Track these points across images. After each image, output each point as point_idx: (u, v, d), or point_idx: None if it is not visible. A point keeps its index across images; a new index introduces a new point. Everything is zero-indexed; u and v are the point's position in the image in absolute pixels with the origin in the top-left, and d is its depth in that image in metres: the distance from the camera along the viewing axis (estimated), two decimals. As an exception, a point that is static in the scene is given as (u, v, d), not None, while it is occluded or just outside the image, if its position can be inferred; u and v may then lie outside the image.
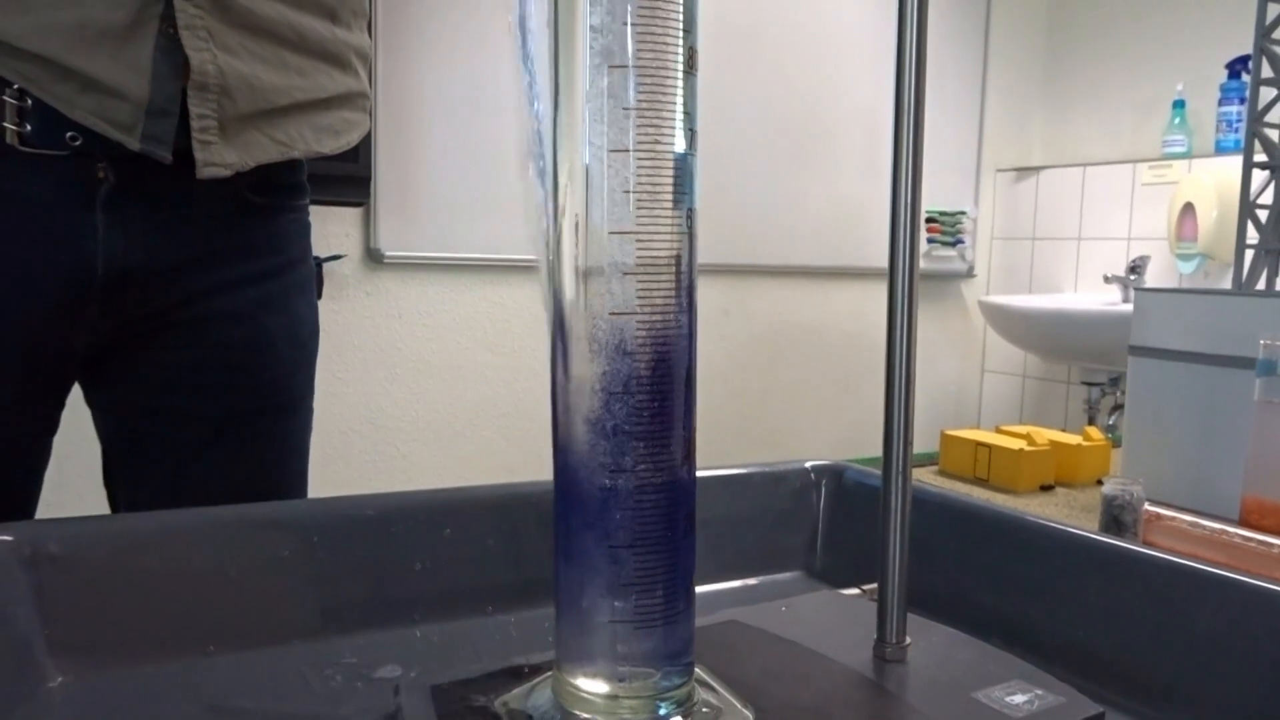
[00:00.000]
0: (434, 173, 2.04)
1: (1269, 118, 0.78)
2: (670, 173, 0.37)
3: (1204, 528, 0.64)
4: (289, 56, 0.69)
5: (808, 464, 0.75)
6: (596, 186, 0.37)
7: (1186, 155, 2.45)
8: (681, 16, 0.37)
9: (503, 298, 2.16)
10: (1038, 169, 2.82)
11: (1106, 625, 0.52)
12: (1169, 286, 2.44)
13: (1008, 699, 0.45)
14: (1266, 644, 0.47)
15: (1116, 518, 0.65)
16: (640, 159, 0.37)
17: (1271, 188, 0.78)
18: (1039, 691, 0.45)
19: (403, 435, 2.07)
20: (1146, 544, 0.63)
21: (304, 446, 0.79)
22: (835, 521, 0.73)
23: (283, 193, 0.75)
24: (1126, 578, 0.53)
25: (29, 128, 0.62)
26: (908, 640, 0.48)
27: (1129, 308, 2.35)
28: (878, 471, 0.76)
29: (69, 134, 0.63)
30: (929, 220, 2.73)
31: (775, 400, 2.54)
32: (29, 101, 0.62)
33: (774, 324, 2.53)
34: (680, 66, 0.37)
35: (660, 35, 0.36)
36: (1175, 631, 0.50)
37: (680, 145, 0.37)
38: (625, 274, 0.38)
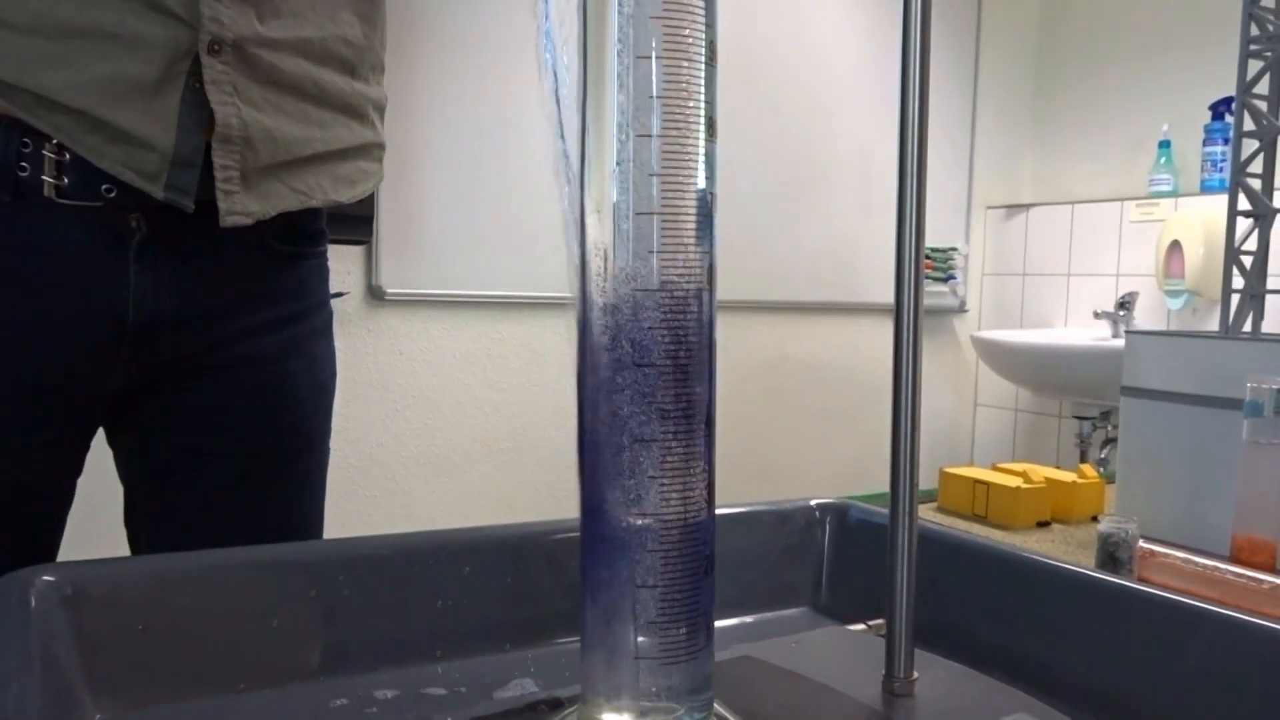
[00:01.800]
0: (435, 211, 2.07)
1: (1251, 168, 0.82)
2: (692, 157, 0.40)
3: (1196, 564, 0.66)
4: (310, 110, 0.72)
5: (813, 502, 0.77)
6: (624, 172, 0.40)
7: (1173, 194, 2.50)
8: (704, 11, 0.40)
9: (502, 334, 2.19)
10: (1027, 206, 2.87)
11: (1105, 660, 0.54)
12: (1158, 326, 2.48)
13: (1014, 732, 0.46)
14: (1258, 678, 0.49)
15: (1112, 554, 0.67)
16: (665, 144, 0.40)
17: (1255, 234, 0.81)
18: (1043, 724, 0.47)
19: (403, 471, 2.08)
20: (1142, 580, 0.66)
21: (322, 485, 0.81)
22: (840, 558, 0.75)
23: (305, 240, 0.78)
24: (1124, 614, 0.55)
25: (66, 180, 0.65)
26: (915, 675, 0.50)
27: (1119, 343, 2.40)
28: (881, 509, 0.78)
29: (104, 186, 0.65)
30: (921, 257, 2.77)
31: (772, 435, 2.56)
32: (66, 156, 0.64)
33: (770, 359, 2.56)
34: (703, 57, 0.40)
35: (682, 28, 0.39)
36: (1171, 666, 0.52)
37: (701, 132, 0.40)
38: (648, 290, 0.40)
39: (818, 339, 2.66)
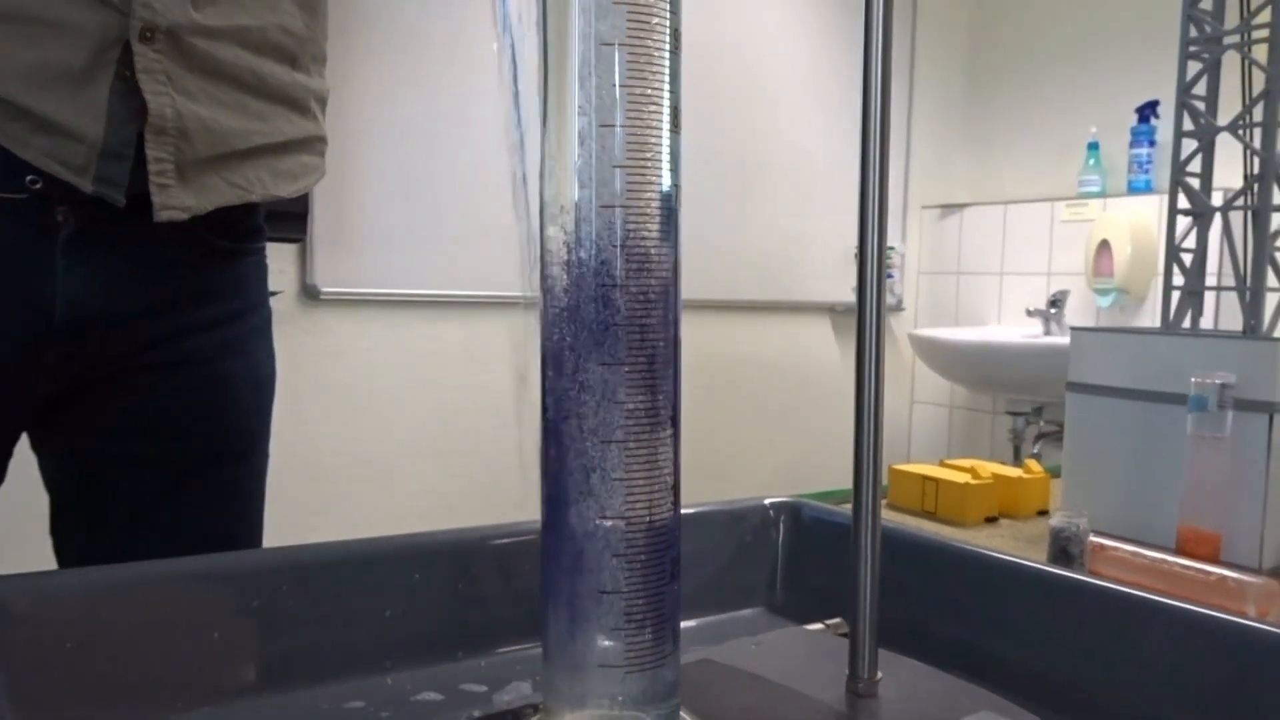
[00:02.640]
0: (372, 207, 2.03)
1: (1190, 167, 0.83)
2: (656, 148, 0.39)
3: (1145, 557, 0.67)
4: (249, 101, 0.69)
5: (766, 501, 0.76)
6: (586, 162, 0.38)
7: (1101, 194, 2.56)
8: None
9: (442, 334, 2.15)
10: (962, 206, 2.92)
11: (1064, 653, 0.55)
12: (1088, 324, 2.54)
13: (979, 730, 0.46)
14: (1207, 666, 0.50)
15: (1064, 549, 0.67)
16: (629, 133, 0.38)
17: (1194, 234, 0.83)
18: (1008, 721, 0.47)
19: (341, 475, 2.04)
20: (1093, 574, 0.66)
21: (261, 491, 0.78)
22: (794, 558, 0.74)
23: (243, 236, 0.75)
24: (1081, 608, 0.55)
25: None
26: (879, 676, 0.49)
27: (1052, 340, 2.46)
28: (835, 508, 0.78)
29: (29, 177, 0.62)
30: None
31: (716, 434, 2.56)
32: None
33: (712, 357, 2.56)
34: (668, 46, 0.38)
35: (647, 17, 0.38)
36: (1126, 657, 0.53)
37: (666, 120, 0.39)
38: (612, 286, 0.39)
39: (760, 337, 2.67)
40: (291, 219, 1.80)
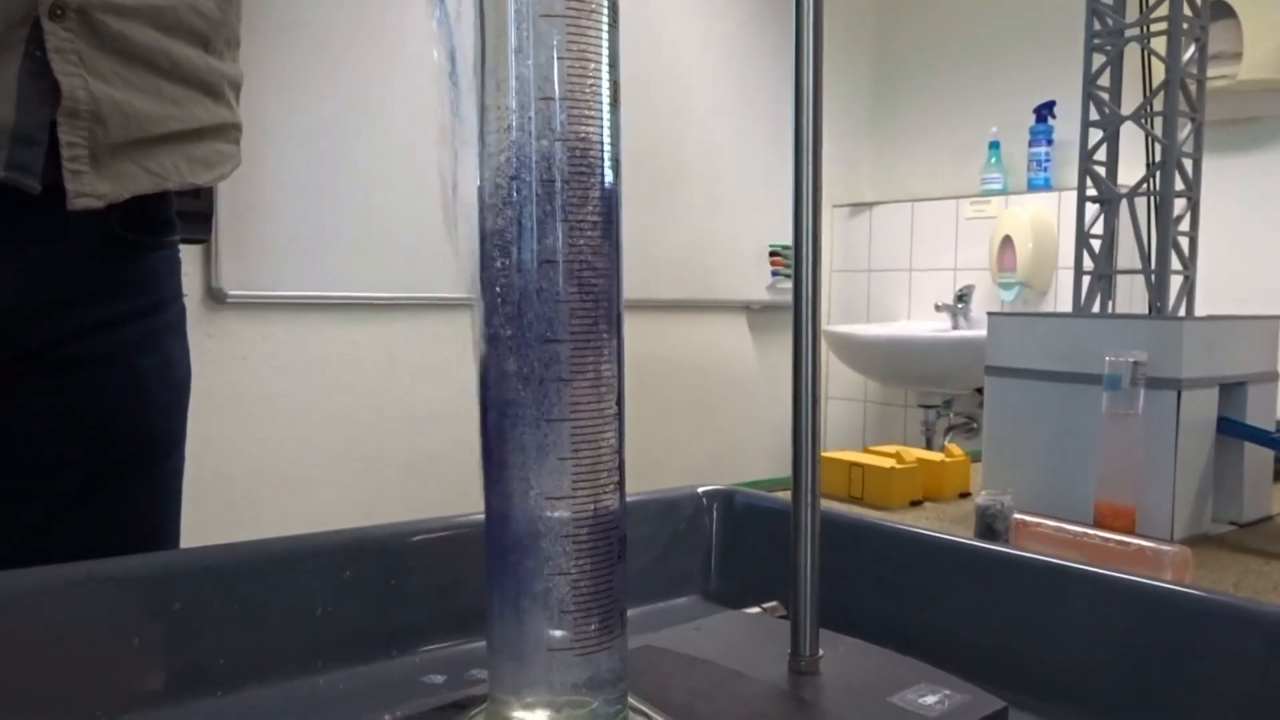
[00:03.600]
0: (279, 207, 1.97)
1: (1097, 156, 0.86)
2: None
3: (1067, 531, 0.69)
4: (162, 85, 0.67)
5: (699, 489, 0.76)
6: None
7: (1004, 192, 2.65)
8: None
9: (355, 336, 2.10)
10: (870, 205, 2.98)
11: (995, 624, 0.56)
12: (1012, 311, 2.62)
13: (920, 700, 0.47)
14: (1133, 627, 0.51)
15: (990, 526, 0.69)
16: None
17: (1101, 220, 0.86)
18: (947, 692, 0.47)
19: (251, 483, 1.97)
20: (1019, 548, 0.68)
21: (178, 494, 0.75)
22: (728, 544, 0.75)
23: (155, 229, 0.72)
24: (1010, 580, 0.57)
25: None
26: (820, 653, 0.50)
27: (960, 334, 2.53)
28: (767, 494, 0.78)
29: None
30: (773, 254, 2.84)
31: (636, 431, 2.55)
32: None
33: (630, 356, 2.56)
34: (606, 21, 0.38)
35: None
36: (1056, 623, 0.54)
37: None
38: (553, 262, 0.38)
39: (676, 336, 2.68)
40: (196, 219, 1.73)
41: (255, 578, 0.53)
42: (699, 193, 2.66)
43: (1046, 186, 2.54)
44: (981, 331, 2.52)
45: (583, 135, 0.38)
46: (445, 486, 2.15)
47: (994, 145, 2.67)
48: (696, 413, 2.71)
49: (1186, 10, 0.80)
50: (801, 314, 0.50)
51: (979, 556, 0.59)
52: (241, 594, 0.52)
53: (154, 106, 0.65)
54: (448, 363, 2.19)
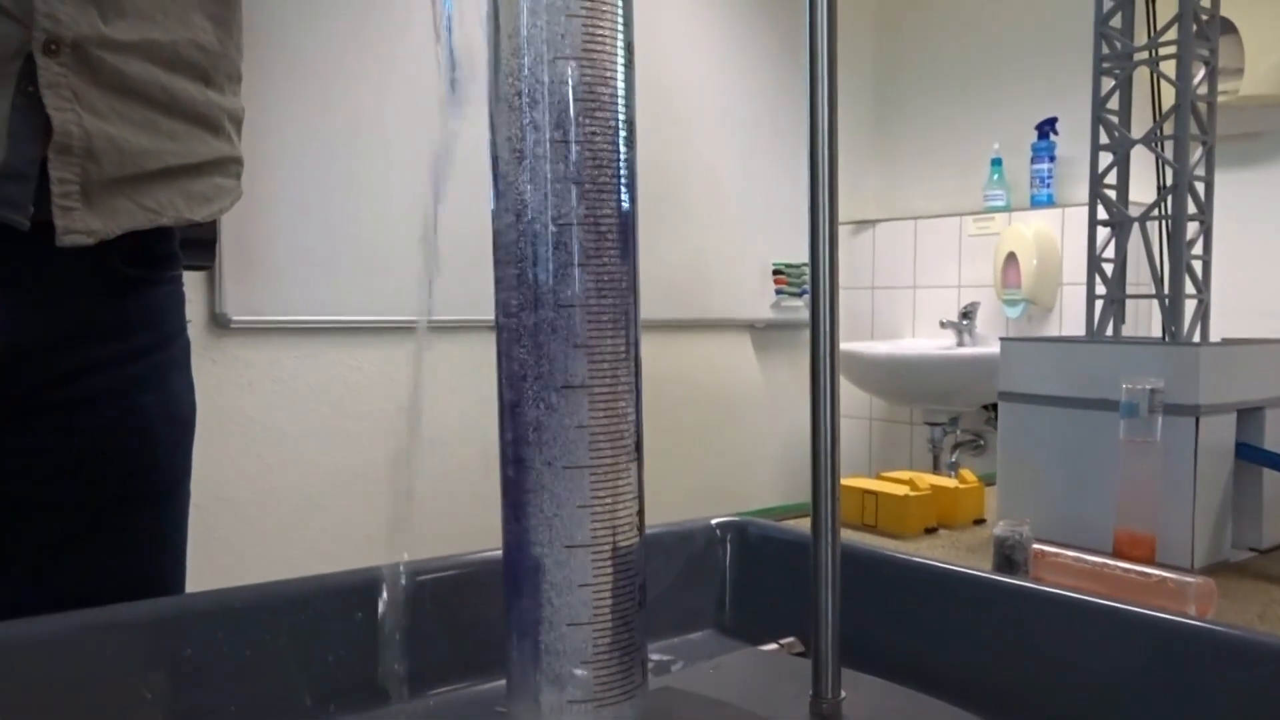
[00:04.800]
0: (283, 233, 1.97)
1: (1108, 179, 0.86)
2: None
3: (1087, 562, 0.68)
4: (159, 119, 0.66)
5: (713, 521, 0.75)
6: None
7: (1006, 209, 2.64)
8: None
9: (359, 361, 2.10)
10: (874, 222, 2.98)
11: (1020, 661, 0.55)
12: (999, 334, 2.61)
13: (946, 746, 0.46)
14: (1154, 665, 0.50)
15: (1009, 557, 0.68)
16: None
17: (1113, 243, 0.85)
18: (973, 736, 0.46)
19: (256, 509, 1.96)
20: (1037, 580, 0.67)
21: (183, 533, 0.74)
22: (742, 577, 0.74)
23: (156, 263, 0.71)
24: (1034, 615, 0.56)
25: None
26: (843, 695, 0.49)
27: (965, 351, 2.52)
28: (781, 525, 0.77)
29: None
30: (776, 273, 2.83)
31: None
32: None
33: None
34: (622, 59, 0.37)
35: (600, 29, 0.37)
36: (1083, 661, 0.53)
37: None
38: (570, 306, 0.38)
39: (680, 356, 2.67)
40: (199, 246, 1.73)
41: (266, 620, 0.52)
42: (702, 210, 2.66)
43: (1049, 203, 2.54)
44: (987, 349, 2.52)
45: (599, 176, 0.38)
46: (453, 508, 2.13)
47: (996, 162, 2.67)
48: (701, 431, 2.69)
49: (1196, 33, 0.80)
50: (819, 340, 0.49)
51: (1000, 591, 0.57)
52: (253, 638, 0.51)
53: (150, 141, 0.65)
54: (452, 385, 2.18)
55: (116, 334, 0.68)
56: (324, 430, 2.04)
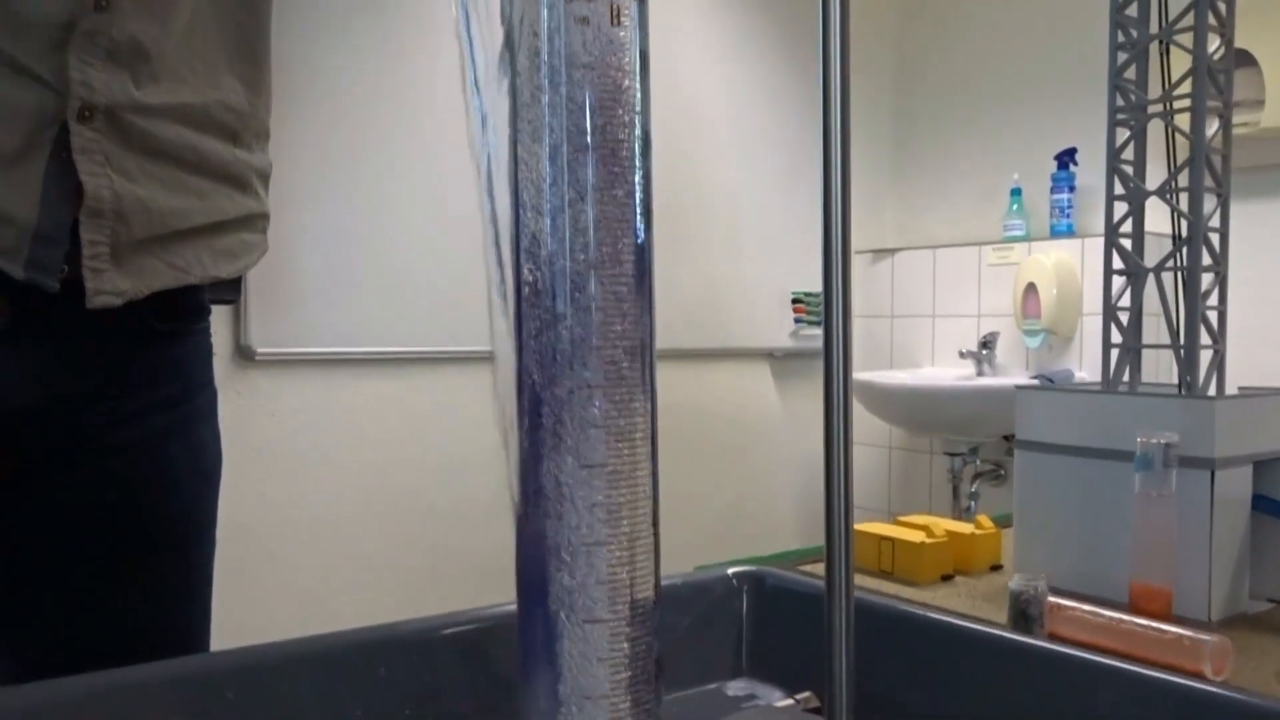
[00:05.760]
0: (305, 267, 2.00)
1: (1123, 229, 0.86)
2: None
3: (1103, 616, 0.68)
4: (188, 179, 0.68)
5: (730, 571, 0.76)
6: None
7: (1026, 238, 2.64)
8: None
9: (379, 390, 2.12)
10: (893, 251, 2.99)
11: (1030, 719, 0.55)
12: (1019, 364, 2.60)
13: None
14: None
15: (1024, 611, 0.68)
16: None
17: (1129, 293, 0.86)
18: (987, 802, 0.47)
19: (276, 535, 1.98)
20: (1052, 635, 0.67)
21: (208, 582, 0.75)
22: (759, 628, 0.74)
23: (185, 316, 0.73)
24: (1048, 675, 0.56)
25: None
26: (858, 757, 0.49)
27: (984, 382, 2.51)
28: (798, 576, 0.78)
29: None
30: (795, 301, 2.84)
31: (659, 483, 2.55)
32: None
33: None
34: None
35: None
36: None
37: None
38: (589, 372, 0.39)
39: (697, 385, 2.68)
40: (226, 284, 1.76)
41: (289, 680, 0.53)
42: (720, 238, 2.68)
43: (1069, 233, 2.54)
44: (1006, 379, 2.51)
45: (616, 220, 0.39)
46: (473, 536, 2.15)
47: (1015, 192, 2.67)
48: (720, 461, 2.70)
49: (1210, 87, 0.81)
50: (834, 414, 0.50)
51: (1018, 650, 0.58)
52: (274, 698, 0.52)
53: (178, 201, 0.66)
54: (469, 415, 2.20)
55: (144, 386, 0.70)
56: (344, 458, 2.06)
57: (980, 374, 2.62)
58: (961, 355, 2.66)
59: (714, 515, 2.64)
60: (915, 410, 2.56)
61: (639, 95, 0.40)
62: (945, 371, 2.74)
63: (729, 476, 2.71)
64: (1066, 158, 2.55)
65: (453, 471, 2.16)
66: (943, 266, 2.84)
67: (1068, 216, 2.55)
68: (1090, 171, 2.52)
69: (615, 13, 0.39)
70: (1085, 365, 2.45)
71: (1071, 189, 2.54)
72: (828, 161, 0.48)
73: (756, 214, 2.75)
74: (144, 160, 0.64)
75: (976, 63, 2.85)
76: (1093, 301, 2.41)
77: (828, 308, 0.47)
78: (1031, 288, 2.48)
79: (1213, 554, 0.75)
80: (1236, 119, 2.07)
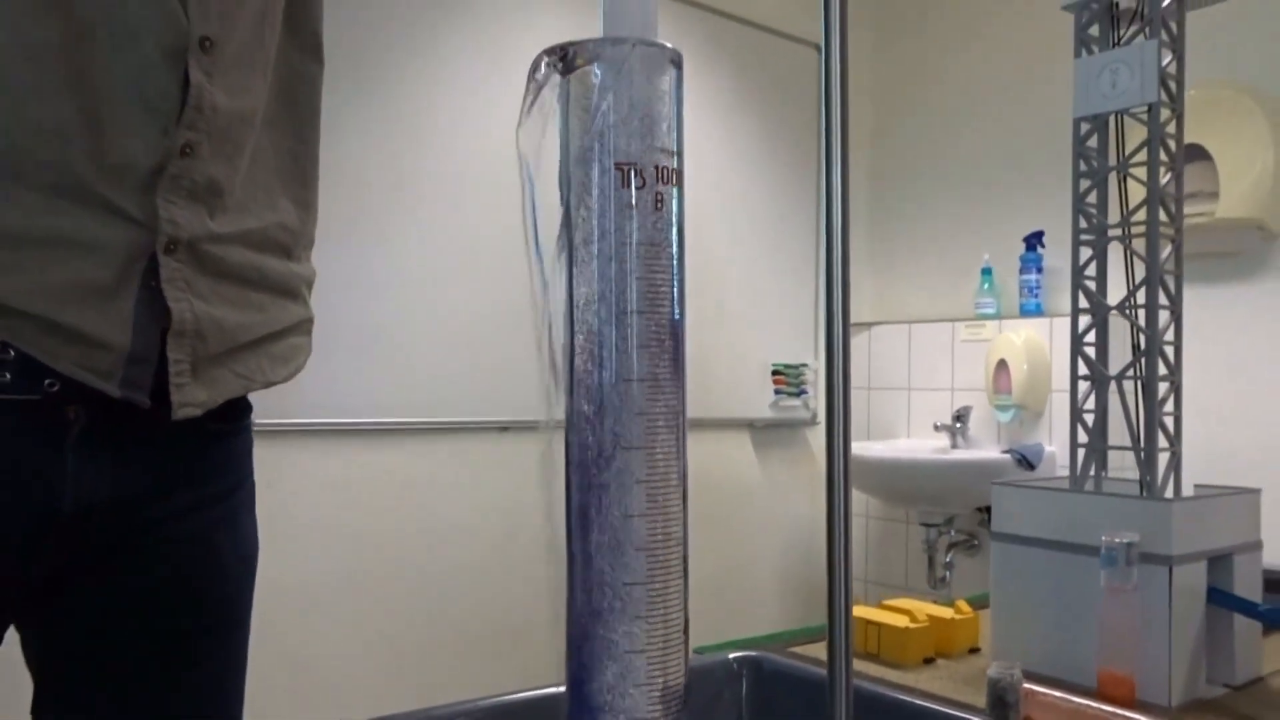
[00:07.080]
0: (305, 338, 2.05)
1: (1087, 339, 0.94)
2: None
3: (1073, 703, 0.75)
4: (251, 295, 0.74)
5: (730, 655, 0.82)
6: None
7: (997, 316, 2.75)
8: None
9: (374, 461, 2.16)
10: (869, 325, 3.09)
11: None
12: (991, 437, 2.69)
13: None
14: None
15: (1001, 698, 0.75)
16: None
17: (1093, 397, 0.94)
18: None
19: (272, 605, 2.00)
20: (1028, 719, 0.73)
21: (244, 662, 0.80)
22: (757, 711, 0.80)
23: (236, 416, 0.79)
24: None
25: (8, 377, 0.64)
26: (857, 839, 0.55)
27: (958, 455, 2.60)
28: (795, 662, 0.84)
29: (47, 381, 0.65)
30: (775, 373, 2.92)
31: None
32: (11, 353, 0.64)
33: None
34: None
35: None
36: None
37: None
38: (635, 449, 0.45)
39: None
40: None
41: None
42: (702, 307, 2.75)
43: (1038, 312, 2.65)
44: (980, 453, 2.60)
45: (656, 300, 0.46)
46: (469, 603, 2.19)
47: (986, 271, 2.79)
48: (702, 529, 2.75)
49: (1163, 216, 0.90)
50: (835, 505, 0.56)
51: (995, 738, 0.64)
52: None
53: (244, 316, 0.73)
54: (464, 483, 2.25)
55: (199, 482, 0.76)
56: (337, 527, 2.10)
57: (955, 446, 2.70)
58: (936, 428, 2.75)
59: (698, 583, 2.68)
60: (893, 481, 2.63)
61: (675, 261, 0.47)
62: (921, 443, 2.82)
63: (710, 541, 2.76)
64: (1035, 240, 2.67)
65: (447, 539, 2.21)
66: (918, 341, 2.95)
67: (1036, 296, 2.66)
68: (1057, 253, 2.63)
69: (658, 200, 0.47)
70: (1055, 439, 2.54)
71: (1039, 270, 2.66)
72: (830, 251, 0.56)
73: (740, 287, 2.84)
74: (215, 283, 0.71)
75: (948, 145, 2.98)
76: (1061, 379, 2.51)
77: (830, 436, 0.54)
78: (1003, 364, 2.58)
79: (1173, 643, 0.82)
80: (1192, 210, 2.19)
